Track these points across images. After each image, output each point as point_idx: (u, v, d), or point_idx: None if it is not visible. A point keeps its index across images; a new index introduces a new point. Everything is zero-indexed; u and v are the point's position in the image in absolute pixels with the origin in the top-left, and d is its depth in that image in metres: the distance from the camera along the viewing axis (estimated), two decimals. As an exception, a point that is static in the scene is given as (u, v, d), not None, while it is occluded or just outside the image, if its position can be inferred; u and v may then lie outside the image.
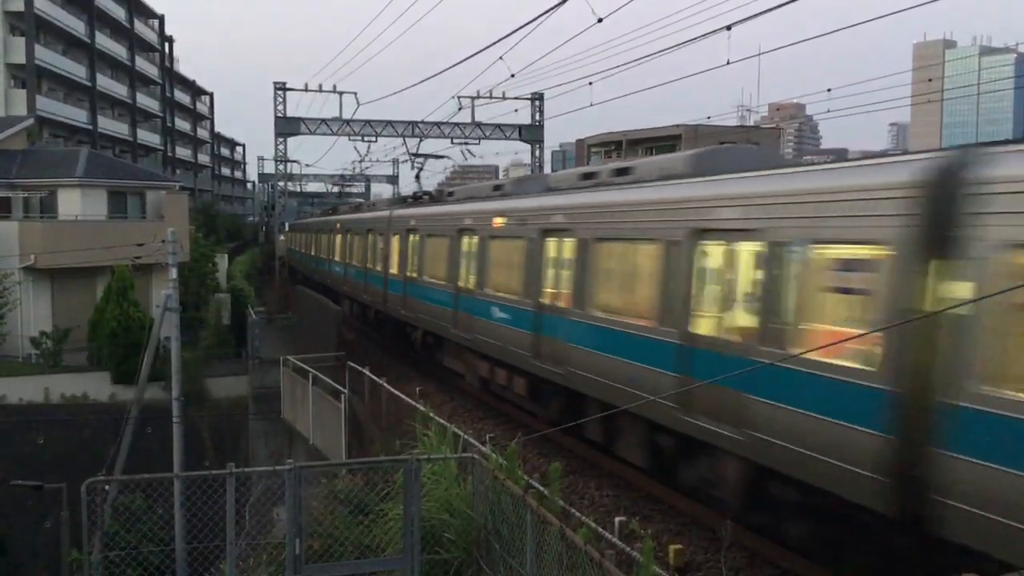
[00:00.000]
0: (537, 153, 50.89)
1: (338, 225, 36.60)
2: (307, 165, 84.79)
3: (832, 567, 8.82)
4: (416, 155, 48.65)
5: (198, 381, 34.42)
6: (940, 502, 7.37)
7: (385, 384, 18.44)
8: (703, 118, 53.58)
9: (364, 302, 29.68)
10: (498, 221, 17.79)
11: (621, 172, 14.67)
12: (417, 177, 59.60)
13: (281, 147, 49.24)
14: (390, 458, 10.94)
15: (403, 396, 17.51)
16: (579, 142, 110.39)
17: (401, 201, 32.19)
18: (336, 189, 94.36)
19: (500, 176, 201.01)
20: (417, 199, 29.57)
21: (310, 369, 21.65)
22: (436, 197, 27.07)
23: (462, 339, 19.10)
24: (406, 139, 48.71)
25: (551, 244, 15.26)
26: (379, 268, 27.13)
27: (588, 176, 16.23)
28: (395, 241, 25.50)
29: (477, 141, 48.86)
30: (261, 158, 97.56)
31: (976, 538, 7.15)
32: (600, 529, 10.19)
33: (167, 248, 23.58)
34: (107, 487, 11.82)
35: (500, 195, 20.06)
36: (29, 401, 32.88)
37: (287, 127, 47.59)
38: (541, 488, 9.76)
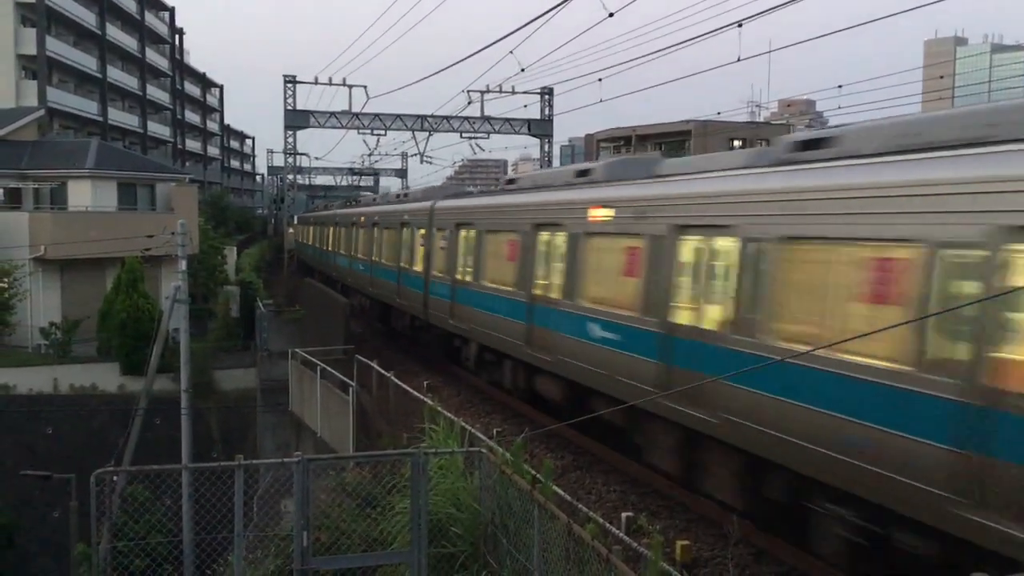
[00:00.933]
0: (546, 148, 50.78)
1: (312, 219, 52.06)
2: (316, 158, 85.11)
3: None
4: (357, 172, 60.68)
5: (207, 373, 34.50)
6: (430, 312, 22.18)
7: (393, 377, 18.45)
8: (713, 114, 53.43)
9: (321, 270, 43.91)
10: (362, 219, 33.04)
11: (404, 195, 32.00)
12: (357, 187, 67.92)
13: (290, 140, 49.31)
14: (397, 451, 10.95)
15: (411, 390, 17.53)
16: (588, 137, 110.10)
17: (344, 204, 48.13)
18: (345, 182, 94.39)
19: (509, 170, 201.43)
20: (351, 204, 45.21)
21: (318, 362, 21.69)
22: (356, 204, 43.16)
23: (351, 283, 34.63)
24: (415, 133, 48.72)
25: (375, 230, 30.16)
26: (323, 247, 43.77)
27: (397, 196, 34.02)
28: (331, 230, 41.21)
29: (486, 135, 48.79)
30: (270, 151, 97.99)
31: (431, 318, 22.04)
32: (607, 524, 10.19)
33: (177, 240, 23.65)
34: (115, 478, 11.88)
35: (371, 203, 37.48)
36: (38, 392, 33.00)
37: (296, 120, 47.64)
38: (548, 482, 9.76)
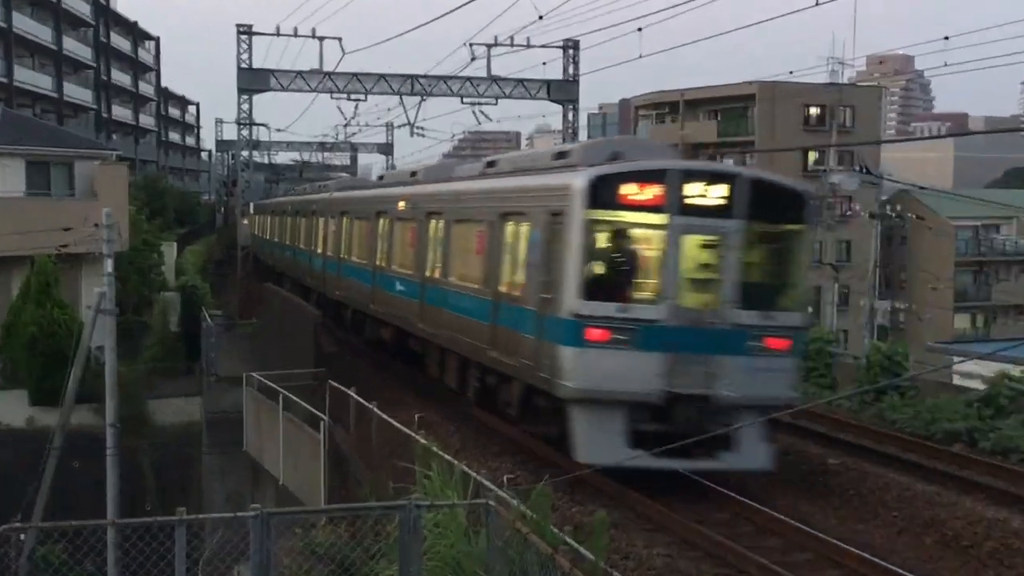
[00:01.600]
0: (570, 116, 50.52)
1: (269, 208, 61.10)
2: (278, 130, 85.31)
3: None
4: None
5: (139, 403, 34.58)
6: (327, 287, 33.51)
7: (375, 409, 18.49)
8: (784, 73, 53.38)
9: (266, 261, 53.53)
10: (289, 207, 45.48)
11: (324, 186, 44.70)
12: (274, 183, 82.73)
13: (245, 107, 49.39)
14: (382, 504, 10.97)
15: (398, 425, 17.56)
16: (624, 103, 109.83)
17: (286, 192, 65.38)
18: (315, 160, 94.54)
19: (522, 144, 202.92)
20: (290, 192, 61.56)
21: (280, 389, 21.75)
22: (294, 192, 57.81)
23: (283, 270, 45.44)
24: (403, 98, 48.76)
25: (297, 218, 41.55)
26: (263, 236, 55.10)
27: (320, 186, 45.78)
28: (268, 218, 54.05)
29: (494, 101, 48.70)
30: (220, 121, 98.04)
31: (328, 292, 33.37)
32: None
33: (102, 234, 23.74)
34: (23, 536, 11.91)
35: (303, 192, 49.44)
36: (-75, 426, 33.13)
37: (253, 81, 47.72)
38: (577, 545, 9.75)
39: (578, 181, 15.86)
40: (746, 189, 15.82)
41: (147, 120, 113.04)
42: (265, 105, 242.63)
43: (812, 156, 70.29)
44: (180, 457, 33.54)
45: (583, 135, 64.73)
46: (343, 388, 20.47)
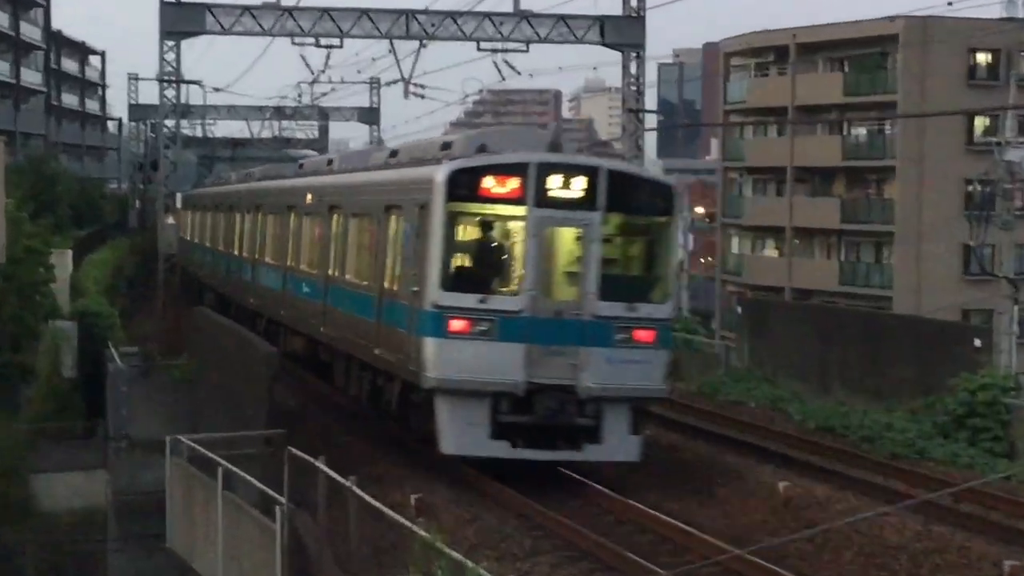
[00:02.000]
0: (633, 68, 50.16)
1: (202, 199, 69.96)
2: (216, 90, 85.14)
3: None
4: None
5: (19, 479, 34.69)
6: (247, 293, 44.34)
7: (355, 488, 18.53)
8: (939, 5, 53.20)
9: (190, 269, 63.07)
10: (207, 202, 57.65)
11: (249, 174, 56.09)
12: (211, 166, 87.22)
13: (171, 57, 49.63)
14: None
15: (388, 511, 17.60)
16: (710, 49, 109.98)
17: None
18: (266, 132, 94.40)
19: (565, 109, 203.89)
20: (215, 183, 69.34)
21: (220, 460, 21.81)
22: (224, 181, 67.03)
23: (204, 278, 55.87)
24: (394, 42, 48.81)
25: (206, 214, 57.84)
26: (191, 237, 63.21)
27: (247, 174, 56.96)
28: (192, 215, 62.16)
29: (524, 47, 48.59)
30: (134, 77, 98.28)
31: (246, 300, 43.30)
32: None
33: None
34: None
35: (228, 182, 59.85)
36: None
37: (181, 21, 47.93)
38: None
39: (439, 174, 22.52)
40: (607, 181, 22.40)
41: (32, 77, 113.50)
42: (199, 55, 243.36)
43: (980, 123, 69.90)
44: (78, 556, 33.64)
45: (651, 94, 64.75)
46: (308, 458, 20.51)
